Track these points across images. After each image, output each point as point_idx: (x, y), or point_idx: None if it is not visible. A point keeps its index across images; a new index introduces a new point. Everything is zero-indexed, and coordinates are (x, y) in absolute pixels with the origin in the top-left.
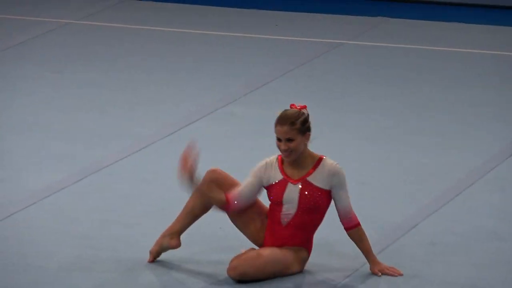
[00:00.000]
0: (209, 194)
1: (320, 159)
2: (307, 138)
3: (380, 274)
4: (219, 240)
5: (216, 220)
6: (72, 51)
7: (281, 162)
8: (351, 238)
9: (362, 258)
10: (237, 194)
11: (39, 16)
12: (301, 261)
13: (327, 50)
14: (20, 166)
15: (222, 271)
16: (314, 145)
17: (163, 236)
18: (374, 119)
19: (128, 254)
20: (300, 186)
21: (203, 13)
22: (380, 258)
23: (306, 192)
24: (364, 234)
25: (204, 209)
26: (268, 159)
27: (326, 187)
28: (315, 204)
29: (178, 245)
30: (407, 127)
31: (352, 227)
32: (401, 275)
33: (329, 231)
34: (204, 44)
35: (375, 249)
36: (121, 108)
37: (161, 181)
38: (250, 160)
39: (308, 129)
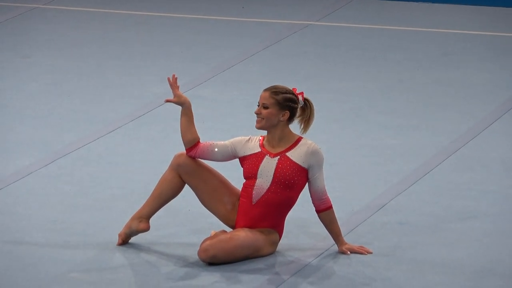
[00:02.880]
0: (178, 159)
1: (299, 138)
2: (284, 116)
3: (349, 252)
4: (189, 222)
5: (185, 203)
6: (41, 36)
7: (262, 139)
8: (321, 220)
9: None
10: (207, 143)
11: (7, 1)
12: (272, 244)
13: (294, 31)
14: None
15: (192, 254)
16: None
17: (132, 219)
18: (343, 100)
19: (98, 238)
20: (277, 160)
21: None
22: (349, 238)
23: (283, 166)
24: (335, 216)
25: (173, 194)
26: (252, 136)
27: (303, 165)
28: (291, 179)
29: (147, 228)
30: (376, 107)
31: (324, 210)
32: (371, 253)
33: (299, 211)
34: (171, 27)
35: (344, 229)
36: (90, 93)
37: (130, 164)
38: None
39: (288, 108)
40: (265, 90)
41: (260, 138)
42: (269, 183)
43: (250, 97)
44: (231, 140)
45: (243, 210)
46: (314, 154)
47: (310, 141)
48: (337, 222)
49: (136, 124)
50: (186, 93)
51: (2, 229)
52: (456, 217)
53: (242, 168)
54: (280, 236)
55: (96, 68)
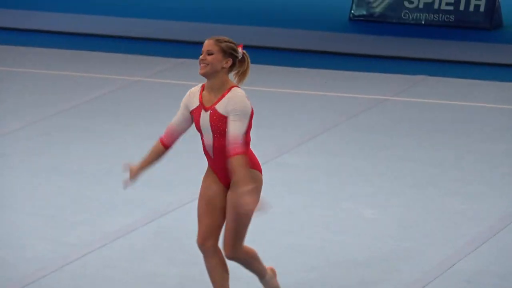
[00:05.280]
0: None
1: (231, 88)
2: (227, 63)
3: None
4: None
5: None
6: (141, 106)
7: (202, 89)
8: (229, 166)
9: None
10: (169, 131)
11: (113, 74)
12: (256, 181)
13: (372, 106)
14: (95, 210)
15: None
16: (361, 180)
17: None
18: (417, 168)
19: None
20: (209, 113)
21: (262, 72)
22: None
23: (213, 119)
24: (241, 165)
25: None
26: (193, 88)
27: (224, 114)
28: (221, 126)
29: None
30: (447, 175)
31: (233, 155)
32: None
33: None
34: (262, 99)
35: (417, 286)
36: (185, 157)
37: None
38: (303, 204)
39: (231, 56)
40: (209, 39)
41: (200, 88)
42: (211, 135)
43: (330, 165)
44: (181, 105)
45: (212, 167)
46: (232, 99)
47: (239, 90)
48: (242, 171)
49: None
50: (273, 160)
51: (108, 281)
52: None
53: None
54: (259, 170)
55: (192, 134)
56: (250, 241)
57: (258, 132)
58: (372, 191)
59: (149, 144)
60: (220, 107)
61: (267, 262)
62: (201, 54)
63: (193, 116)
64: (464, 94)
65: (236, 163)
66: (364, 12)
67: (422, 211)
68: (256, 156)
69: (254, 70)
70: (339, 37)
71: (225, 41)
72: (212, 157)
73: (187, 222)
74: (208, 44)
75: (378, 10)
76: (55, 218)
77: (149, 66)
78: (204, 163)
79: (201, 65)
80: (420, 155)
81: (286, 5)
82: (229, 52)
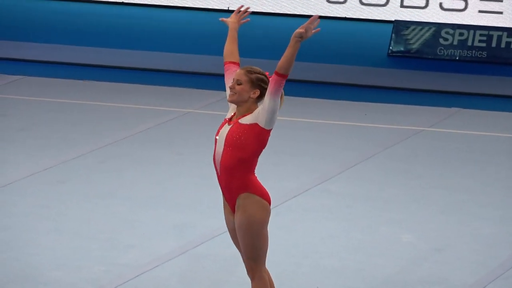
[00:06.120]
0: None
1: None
2: (255, 94)
3: (303, 29)
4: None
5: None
6: (191, 136)
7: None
8: (280, 68)
9: None
10: (228, 72)
11: (165, 106)
12: (262, 207)
13: (409, 136)
14: (147, 233)
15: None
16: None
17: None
18: (448, 194)
19: None
20: (231, 126)
21: (306, 104)
22: None
23: (233, 130)
24: (282, 58)
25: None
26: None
27: (252, 122)
28: (237, 140)
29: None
30: (477, 201)
31: (275, 71)
32: (318, 18)
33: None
34: (305, 130)
35: None
36: None
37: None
38: (342, 229)
39: (259, 87)
40: (241, 68)
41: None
42: (222, 147)
43: (368, 192)
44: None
45: (220, 185)
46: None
47: None
48: (285, 52)
49: (272, 213)
50: (315, 187)
51: None
52: None
53: None
54: (267, 200)
55: None
56: (291, 263)
57: (300, 160)
58: (407, 217)
59: (198, 172)
60: (244, 120)
61: (310, 283)
62: (232, 82)
63: (220, 125)
64: (496, 125)
65: (282, 59)
66: (402, 49)
67: (455, 235)
68: (299, 183)
69: (298, 102)
70: (378, 71)
71: (255, 73)
72: (219, 173)
73: (233, 246)
74: (239, 74)
75: (415, 46)
76: (110, 241)
77: (199, 99)
78: None
79: (230, 92)
80: (452, 182)
81: (329, 42)
82: (257, 84)
